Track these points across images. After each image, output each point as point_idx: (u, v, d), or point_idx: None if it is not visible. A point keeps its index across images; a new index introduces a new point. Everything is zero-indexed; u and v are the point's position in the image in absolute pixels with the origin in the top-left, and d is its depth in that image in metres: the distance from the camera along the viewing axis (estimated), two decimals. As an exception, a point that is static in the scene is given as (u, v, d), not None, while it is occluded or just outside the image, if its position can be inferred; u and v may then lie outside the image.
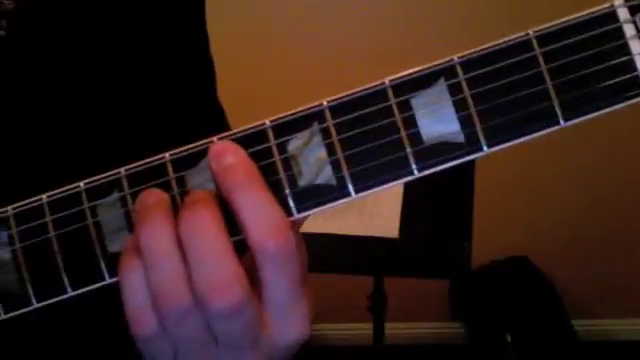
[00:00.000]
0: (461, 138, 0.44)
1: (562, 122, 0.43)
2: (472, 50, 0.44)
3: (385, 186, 0.45)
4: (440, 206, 1.74)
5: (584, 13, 0.43)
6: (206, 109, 0.70)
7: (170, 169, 0.46)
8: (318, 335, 2.64)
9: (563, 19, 0.43)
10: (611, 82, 0.42)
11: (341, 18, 2.48)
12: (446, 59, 0.44)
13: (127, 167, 0.46)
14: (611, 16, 0.42)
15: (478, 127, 0.43)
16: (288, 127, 0.45)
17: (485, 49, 0.44)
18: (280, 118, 0.45)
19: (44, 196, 0.47)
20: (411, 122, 0.44)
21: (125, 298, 0.45)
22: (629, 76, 0.42)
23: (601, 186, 2.58)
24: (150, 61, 0.64)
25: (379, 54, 2.39)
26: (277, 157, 0.45)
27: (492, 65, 0.43)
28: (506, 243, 2.60)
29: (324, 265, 1.63)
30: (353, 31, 2.47)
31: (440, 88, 0.44)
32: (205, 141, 0.46)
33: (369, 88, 0.45)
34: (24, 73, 0.59)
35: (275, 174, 0.45)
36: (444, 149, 0.44)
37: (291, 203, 0.45)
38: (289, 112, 0.45)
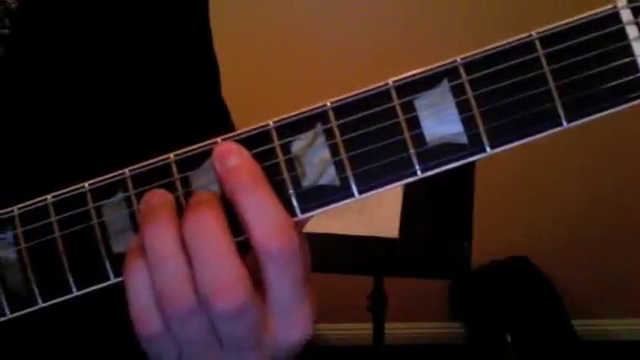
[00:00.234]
0: (464, 139, 0.44)
1: (565, 123, 0.43)
2: (475, 51, 0.44)
3: (388, 187, 0.45)
4: (440, 206, 1.75)
5: (587, 14, 0.43)
6: (210, 109, 0.70)
7: (174, 170, 0.46)
8: (318, 335, 2.64)
9: (566, 20, 0.43)
10: (614, 83, 0.42)
11: (345, 18, 2.48)
12: (449, 60, 0.44)
13: (131, 168, 0.46)
14: (614, 17, 0.42)
15: (481, 128, 0.43)
16: (292, 128, 0.45)
17: (488, 50, 0.44)
18: (284, 119, 0.45)
19: (49, 196, 0.47)
20: (414, 123, 0.44)
21: (130, 298, 0.45)
22: (632, 77, 0.42)
23: (601, 186, 2.58)
24: (154, 61, 0.64)
25: (382, 54, 2.40)
26: (281, 158, 0.45)
27: (495, 66, 0.43)
28: (506, 243, 2.60)
29: (324, 265, 1.63)
30: (356, 31, 2.47)
31: (443, 89, 0.44)
32: (209, 142, 0.46)
33: (372, 89, 0.45)
34: (28, 72, 0.59)
35: (279, 175, 0.45)
36: (447, 150, 0.44)
37: (295, 203, 0.45)
38: (293, 113, 0.45)
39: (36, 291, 0.47)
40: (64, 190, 0.47)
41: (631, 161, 2.55)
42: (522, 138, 0.43)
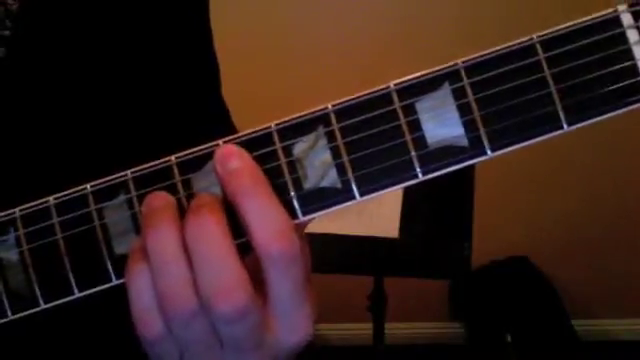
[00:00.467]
0: (465, 142, 0.44)
1: (565, 126, 0.43)
2: (476, 54, 0.44)
3: (389, 189, 0.45)
4: (440, 206, 1.75)
5: (588, 18, 0.43)
6: (211, 109, 0.70)
7: (176, 172, 0.46)
8: (318, 335, 2.64)
9: (567, 24, 0.43)
10: (614, 87, 0.42)
11: (345, 17, 2.48)
12: (450, 63, 0.44)
13: (133, 169, 0.46)
14: (615, 21, 0.42)
15: (482, 131, 0.44)
16: (293, 130, 0.45)
17: (489, 54, 0.44)
18: (285, 121, 0.45)
19: (51, 198, 0.47)
20: (416, 126, 0.44)
21: (132, 300, 0.45)
22: (633, 81, 0.42)
23: (601, 186, 2.58)
24: (154, 61, 0.64)
25: (383, 53, 2.40)
26: (282, 160, 0.45)
27: (496, 70, 0.43)
28: (506, 243, 2.60)
29: (324, 265, 1.63)
30: (357, 30, 2.47)
31: (445, 92, 0.44)
32: (211, 144, 0.46)
33: (374, 92, 0.45)
34: (29, 73, 0.59)
35: (280, 177, 0.45)
36: (448, 153, 0.44)
37: (296, 206, 0.45)
38: (294, 115, 0.45)
39: (38, 292, 0.47)
40: (66, 192, 0.47)
41: (631, 161, 2.55)
42: (523, 141, 0.43)
